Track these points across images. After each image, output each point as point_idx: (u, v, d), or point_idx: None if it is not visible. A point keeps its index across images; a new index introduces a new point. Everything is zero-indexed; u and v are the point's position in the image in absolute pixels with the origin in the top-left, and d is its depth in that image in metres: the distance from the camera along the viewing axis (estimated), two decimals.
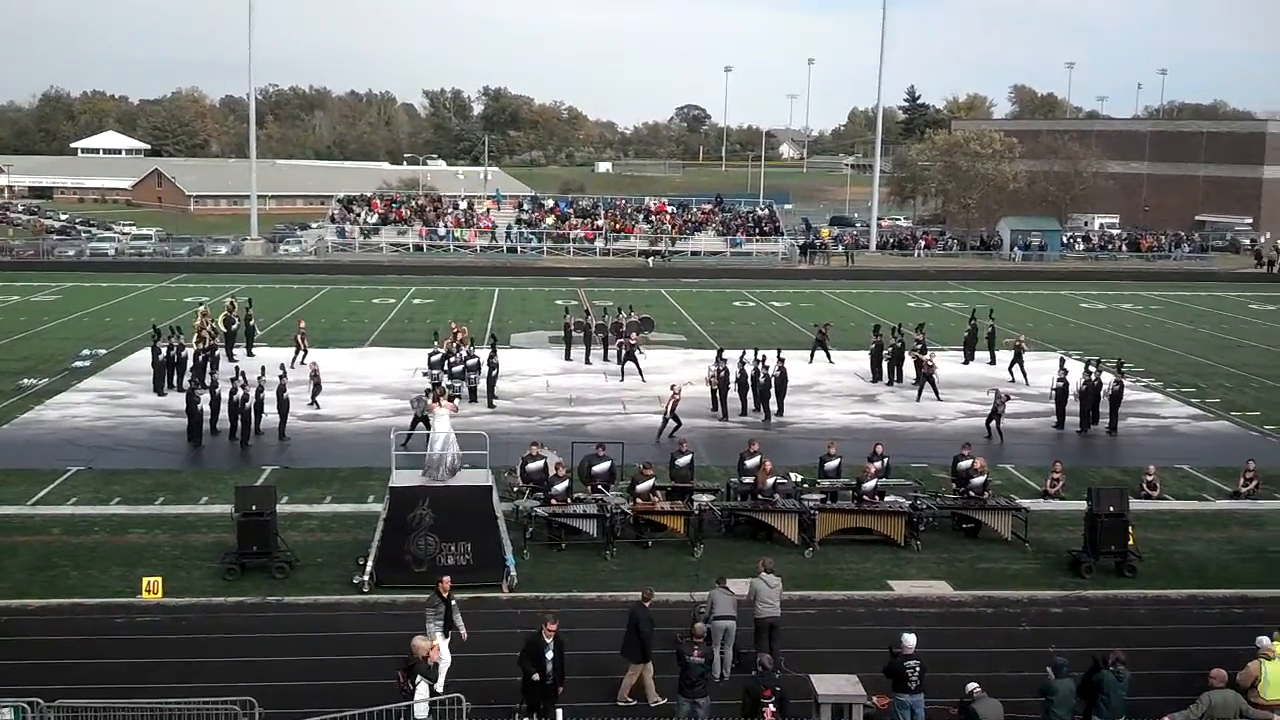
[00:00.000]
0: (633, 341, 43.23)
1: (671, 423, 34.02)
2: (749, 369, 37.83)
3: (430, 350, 39.93)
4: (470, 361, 38.68)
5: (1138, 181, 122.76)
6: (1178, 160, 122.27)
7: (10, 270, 78.54)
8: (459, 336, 40.79)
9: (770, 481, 25.66)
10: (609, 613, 20.87)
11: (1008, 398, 35.66)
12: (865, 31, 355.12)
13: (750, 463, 26.67)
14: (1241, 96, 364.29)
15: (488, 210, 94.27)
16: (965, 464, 26.75)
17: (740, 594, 19.39)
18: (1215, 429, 37.44)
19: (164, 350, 39.30)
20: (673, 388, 35.09)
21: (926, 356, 40.88)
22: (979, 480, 26.10)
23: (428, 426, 30.99)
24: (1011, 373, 42.82)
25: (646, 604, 18.52)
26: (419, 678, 16.35)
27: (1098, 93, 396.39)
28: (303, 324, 46.04)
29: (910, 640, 16.80)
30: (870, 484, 25.64)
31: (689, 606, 19.54)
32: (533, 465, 26.12)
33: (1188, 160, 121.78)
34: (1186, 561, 24.87)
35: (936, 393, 39.84)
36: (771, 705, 15.68)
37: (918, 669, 16.45)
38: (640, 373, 42.05)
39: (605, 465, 26.16)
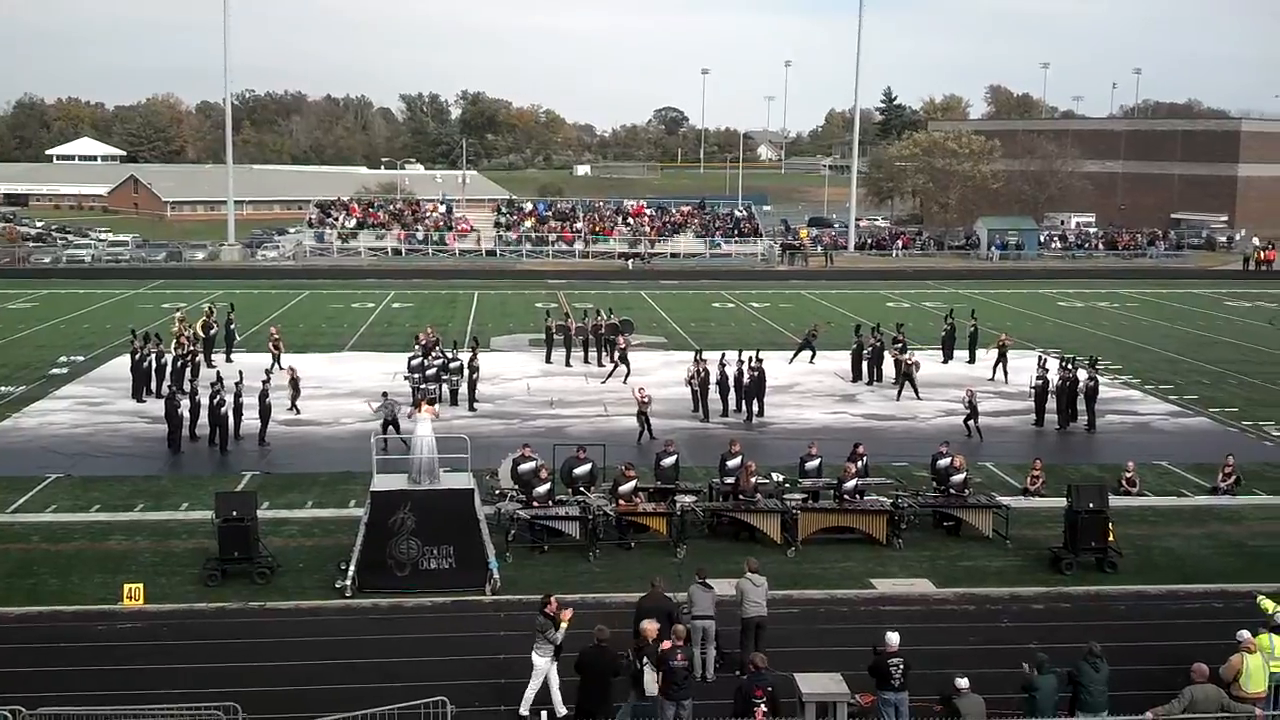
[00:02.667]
0: (622, 345, 43.19)
1: (646, 425, 34.05)
2: (730, 370, 37.88)
3: (410, 354, 39.84)
4: (452, 365, 38.62)
5: (1113, 180, 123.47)
6: (1153, 159, 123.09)
7: None
8: (423, 339, 40.65)
9: (753, 482, 25.69)
10: (593, 615, 20.82)
11: (971, 394, 35.64)
12: (842, 34, 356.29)
13: (732, 463, 26.70)
14: (1216, 95, 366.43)
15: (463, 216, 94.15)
16: (944, 462, 26.85)
17: (724, 594, 19.37)
18: (1193, 425, 37.66)
19: (147, 356, 39.11)
20: (637, 391, 34.95)
21: (907, 356, 41.01)
22: (959, 478, 26.20)
23: (397, 429, 31.21)
24: (994, 371, 42.98)
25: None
26: (645, 660, 16.54)
27: (1073, 93, 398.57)
28: (274, 330, 45.68)
29: (894, 638, 16.84)
30: (851, 483, 25.70)
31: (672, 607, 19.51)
32: (524, 467, 26.05)
33: (1163, 159, 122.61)
34: (1166, 557, 25.01)
35: (916, 392, 39.96)
36: (763, 705, 15.68)
37: (901, 666, 16.49)
38: (626, 375, 41.92)
39: (586, 467, 26.17)
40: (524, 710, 17.37)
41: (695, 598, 18.98)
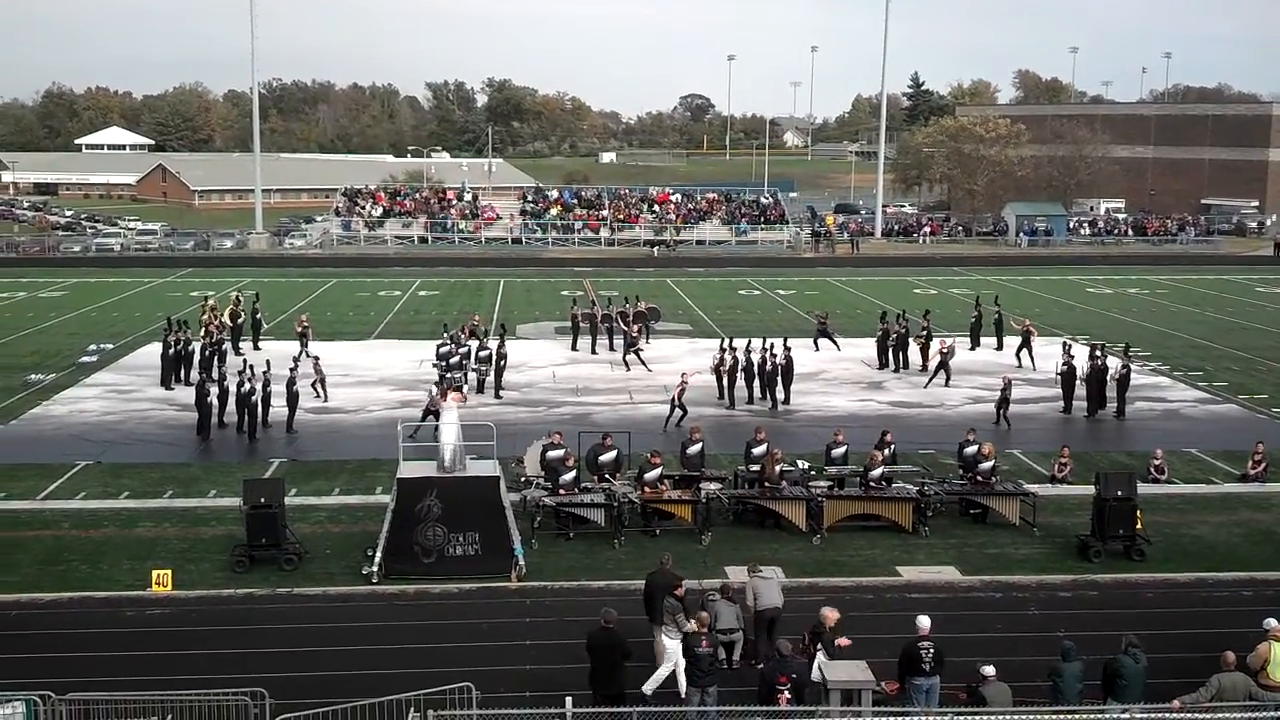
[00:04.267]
0: (634, 334, 43.21)
1: (678, 411, 34.01)
2: (755, 357, 37.81)
3: (439, 342, 39.90)
4: (482, 353, 38.66)
5: (1143, 165, 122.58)
6: (1183, 144, 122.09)
7: (17, 266, 78.79)
8: (468, 326, 40.78)
9: (778, 469, 25.65)
10: (618, 601, 20.83)
11: (1007, 382, 35.56)
12: (869, 18, 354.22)
13: (757, 450, 26.67)
14: (1246, 80, 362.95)
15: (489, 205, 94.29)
16: (971, 449, 26.66)
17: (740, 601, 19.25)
18: (1223, 412, 37.38)
19: (177, 344, 39.37)
20: (682, 375, 35.16)
21: (949, 343, 40.73)
22: (987, 465, 26.05)
23: (436, 418, 31.22)
24: (1019, 358, 42.76)
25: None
26: (819, 645, 16.66)
27: (1102, 77, 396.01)
28: (304, 318, 45.95)
29: (925, 622, 16.81)
30: (877, 471, 25.61)
31: (697, 595, 19.54)
32: (553, 453, 26.08)
33: (1193, 144, 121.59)
34: (1195, 545, 24.84)
35: (948, 378, 39.73)
36: (787, 691, 15.68)
37: (932, 651, 16.45)
38: (644, 364, 42.03)
39: (611, 454, 26.18)
40: (648, 690, 17.31)
41: (720, 612, 18.55)
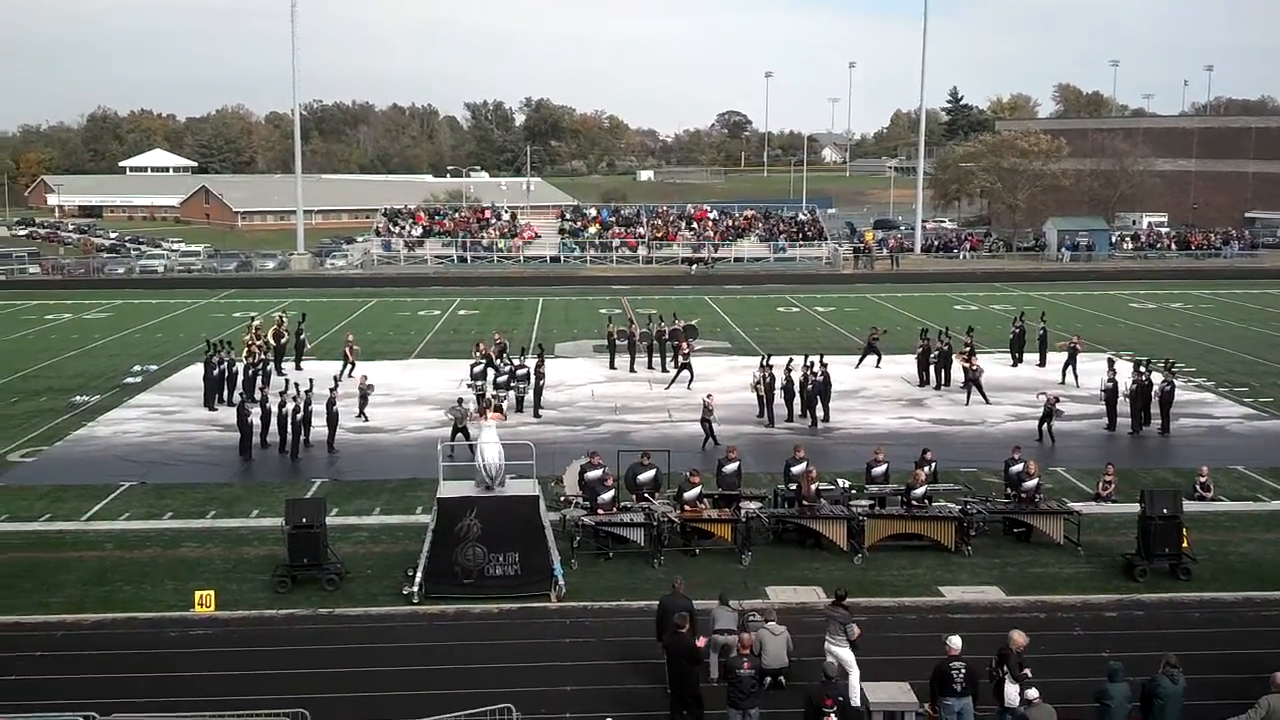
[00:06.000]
0: (685, 350, 43.14)
1: (710, 432, 33.94)
2: (795, 375, 37.70)
3: (471, 361, 40.00)
4: (520, 372, 38.74)
5: (1186, 179, 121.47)
6: (1226, 157, 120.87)
7: (62, 289, 79.78)
8: (483, 348, 40.78)
9: (814, 488, 25.52)
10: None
11: (1057, 399, 35.34)
12: (907, 34, 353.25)
13: (796, 469, 26.55)
14: None
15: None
16: (1017, 468, 26.40)
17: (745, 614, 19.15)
18: (1269, 428, 36.89)
19: (219, 365, 39.71)
20: (707, 397, 34.97)
21: (975, 361, 40.51)
22: (1031, 484, 25.82)
23: (466, 436, 31.36)
24: (1064, 374, 42.39)
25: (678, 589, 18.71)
26: (1005, 669, 16.50)
27: (1143, 90, 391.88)
28: (351, 337, 46.28)
29: (956, 642, 16.64)
30: (920, 490, 25.44)
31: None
32: (591, 474, 26.06)
33: (1236, 156, 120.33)
34: (1242, 563, 24.51)
35: (984, 396, 39.50)
36: (833, 714, 15.55)
37: (963, 671, 16.28)
38: (691, 380, 41.89)
39: (650, 473, 26.11)
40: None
41: (718, 615, 18.93)
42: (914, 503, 25.38)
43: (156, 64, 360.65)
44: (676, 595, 18.85)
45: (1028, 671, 16.69)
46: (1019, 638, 16.93)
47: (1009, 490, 26.41)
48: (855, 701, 16.86)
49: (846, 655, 17.84)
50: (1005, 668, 16.51)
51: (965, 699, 16.27)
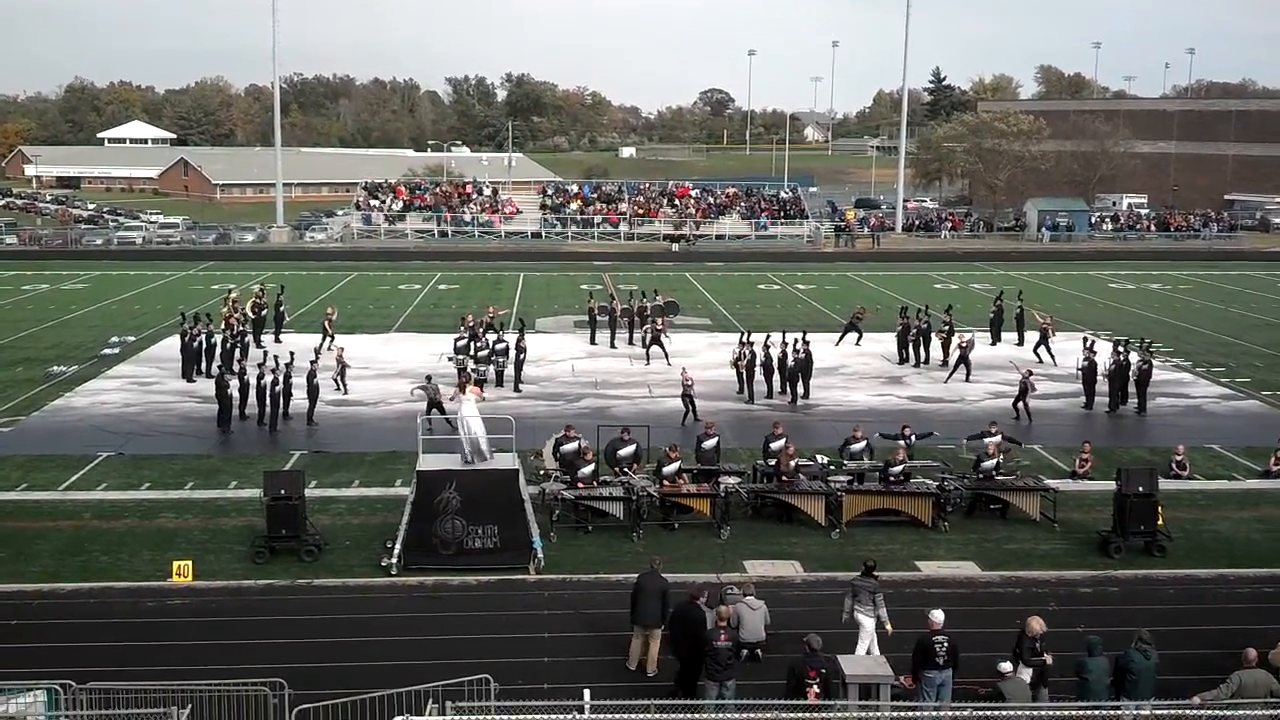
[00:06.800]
0: (658, 326, 43.20)
1: (691, 407, 34.00)
2: (775, 352, 37.75)
3: (456, 335, 39.93)
4: (499, 346, 38.74)
5: (1166, 161, 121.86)
6: (1206, 139, 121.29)
7: (39, 259, 79.24)
8: (486, 318, 40.88)
9: (793, 464, 25.60)
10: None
11: (1030, 373, 35.44)
12: (890, 13, 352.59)
13: (775, 445, 26.62)
14: (1270, 75, 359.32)
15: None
16: (993, 440, 26.62)
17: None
18: (1245, 408, 37.15)
19: (196, 337, 39.52)
20: (683, 373, 34.98)
21: (968, 338, 40.55)
22: (990, 464, 25.87)
23: (441, 411, 31.35)
24: (1038, 354, 42.54)
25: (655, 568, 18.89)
26: (1018, 653, 16.54)
27: (1125, 72, 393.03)
28: (331, 310, 46.10)
29: (938, 616, 16.76)
30: (899, 466, 25.55)
31: (716, 589, 19.53)
32: (567, 447, 26.13)
33: (1216, 139, 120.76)
34: (1216, 541, 24.71)
35: (969, 373, 39.55)
36: (816, 686, 15.64)
37: (946, 645, 16.40)
38: (666, 356, 42.03)
39: (630, 448, 26.16)
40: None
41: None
42: (892, 479, 25.44)
43: (135, 36, 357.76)
44: (654, 575, 18.91)
45: (1047, 658, 16.76)
46: (1035, 624, 16.91)
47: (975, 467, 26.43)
48: (865, 663, 17.29)
49: (871, 624, 18.27)
50: (1019, 651, 16.54)
51: (946, 671, 16.40)
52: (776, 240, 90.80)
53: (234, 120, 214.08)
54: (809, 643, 16.30)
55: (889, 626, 18.32)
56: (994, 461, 26.03)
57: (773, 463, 26.26)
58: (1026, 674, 16.44)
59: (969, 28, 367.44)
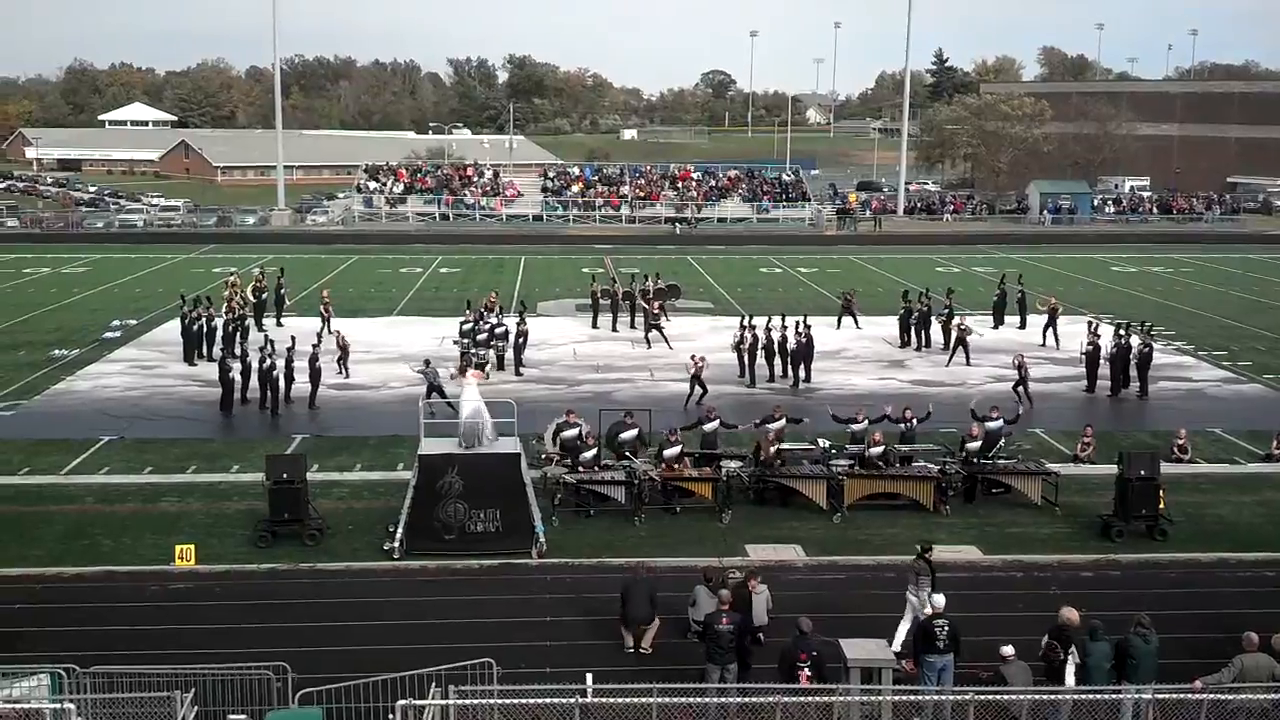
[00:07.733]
0: (655, 311, 43.14)
1: (698, 389, 33.95)
2: (776, 335, 37.73)
3: (461, 319, 39.86)
4: (499, 330, 38.73)
5: (1169, 143, 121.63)
6: (1209, 121, 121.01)
7: (40, 242, 79.18)
8: (488, 302, 40.90)
9: (773, 449, 25.50)
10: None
11: (1022, 356, 35.32)
12: None
13: (772, 427, 26.59)
14: (1274, 57, 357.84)
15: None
16: (994, 424, 26.54)
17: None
18: (1247, 392, 37.14)
19: (198, 320, 39.49)
20: (692, 358, 34.92)
21: (957, 320, 40.54)
22: (974, 445, 25.79)
23: (442, 395, 31.35)
24: (1045, 336, 42.50)
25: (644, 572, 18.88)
26: (1071, 646, 16.13)
27: (1128, 54, 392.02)
28: (326, 294, 45.99)
29: (940, 600, 16.78)
30: (903, 449, 25.56)
31: (718, 572, 19.56)
32: (568, 433, 26.13)
33: (1219, 121, 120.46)
34: (1218, 525, 24.72)
35: (968, 358, 39.53)
36: (807, 669, 15.67)
37: (947, 629, 16.41)
38: (666, 341, 42.00)
39: (632, 432, 26.18)
40: (896, 646, 17.77)
41: (699, 597, 18.73)
42: (877, 458, 25.43)
43: (135, 17, 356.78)
44: (638, 580, 18.93)
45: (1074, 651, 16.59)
46: (1071, 614, 16.55)
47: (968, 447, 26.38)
48: (899, 643, 17.68)
49: (916, 604, 18.31)
50: (1058, 644, 16.15)
51: (947, 656, 16.41)
52: (778, 223, 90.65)
53: (235, 102, 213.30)
54: (799, 625, 16.33)
55: (928, 609, 18.00)
56: (977, 443, 25.93)
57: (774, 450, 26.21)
58: (1071, 665, 16.17)
59: (972, 9, 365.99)
